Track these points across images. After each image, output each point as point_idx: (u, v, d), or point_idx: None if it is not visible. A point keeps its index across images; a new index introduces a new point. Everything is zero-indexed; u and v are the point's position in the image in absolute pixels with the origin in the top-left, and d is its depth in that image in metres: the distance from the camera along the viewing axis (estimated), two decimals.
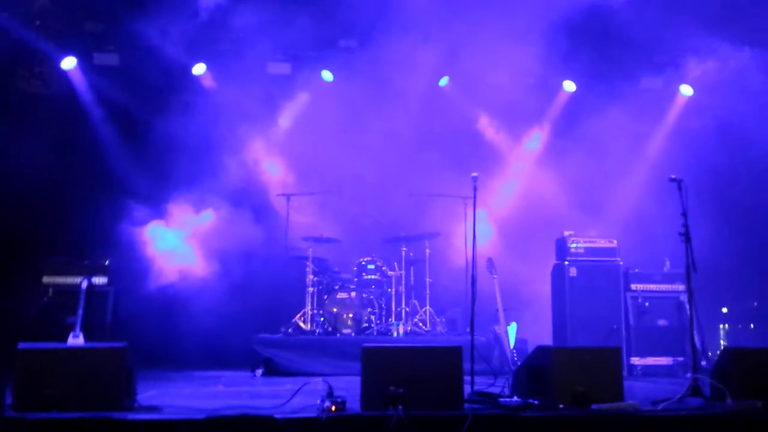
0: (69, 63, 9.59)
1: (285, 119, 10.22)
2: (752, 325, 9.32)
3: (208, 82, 9.88)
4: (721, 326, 9.28)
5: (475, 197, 6.38)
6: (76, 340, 7.23)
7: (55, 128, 9.55)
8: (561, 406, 4.94)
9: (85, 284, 7.60)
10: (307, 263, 9.14)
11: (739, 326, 9.36)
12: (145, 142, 9.38)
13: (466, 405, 4.97)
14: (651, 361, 8.21)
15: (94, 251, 8.36)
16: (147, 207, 8.97)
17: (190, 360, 8.65)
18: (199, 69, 9.81)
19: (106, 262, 8.19)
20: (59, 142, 9.49)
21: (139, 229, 8.73)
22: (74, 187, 9.28)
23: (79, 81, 9.71)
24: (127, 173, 9.54)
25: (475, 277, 6.17)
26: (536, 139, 10.38)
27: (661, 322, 8.39)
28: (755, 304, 9.53)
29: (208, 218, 9.19)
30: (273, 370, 8.07)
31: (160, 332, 8.63)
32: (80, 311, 7.35)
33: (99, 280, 7.96)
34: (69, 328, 7.32)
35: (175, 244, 8.93)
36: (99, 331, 7.57)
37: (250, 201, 9.69)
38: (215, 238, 9.13)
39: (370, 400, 4.73)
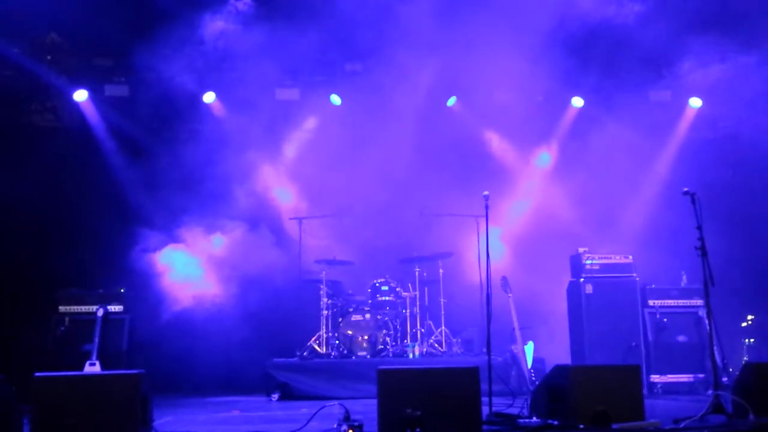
0: (81, 96, 9.73)
1: (295, 144, 10.28)
2: (750, 340, 9.13)
3: (218, 110, 9.98)
4: (745, 341, 9.10)
5: (487, 216, 6.37)
6: (93, 367, 7.27)
7: (68, 160, 9.69)
8: (581, 426, 4.87)
9: (101, 312, 7.67)
10: (321, 286, 9.13)
11: (752, 340, 9.17)
12: (157, 171, 9.44)
13: (485, 427, 4.92)
14: (671, 378, 8.10)
15: (109, 280, 8.43)
16: (160, 234, 9.03)
17: (205, 386, 8.67)
18: (209, 97, 9.92)
19: (122, 290, 8.25)
20: (72, 174, 9.62)
21: (153, 256, 8.79)
22: (88, 217, 9.35)
23: (91, 113, 9.83)
24: (140, 202, 9.59)
25: (490, 295, 6.13)
26: (546, 155, 10.35)
27: (681, 338, 8.29)
28: (752, 319, 9.35)
29: (220, 244, 9.23)
30: (289, 394, 8.05)
31: (175, 358, 8.64)
32: (96, 339, 7.41)
33: (114, 308, 8.03)
34: (86, 356, 7.38)
35: (189, 270, 8.97)
36: (115, 359, 7.61)
37: (262, 226, 9.72)
38: (229, 264, 9.16)
39: (387, 423, 4.69)
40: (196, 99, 9.83)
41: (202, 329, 8.90)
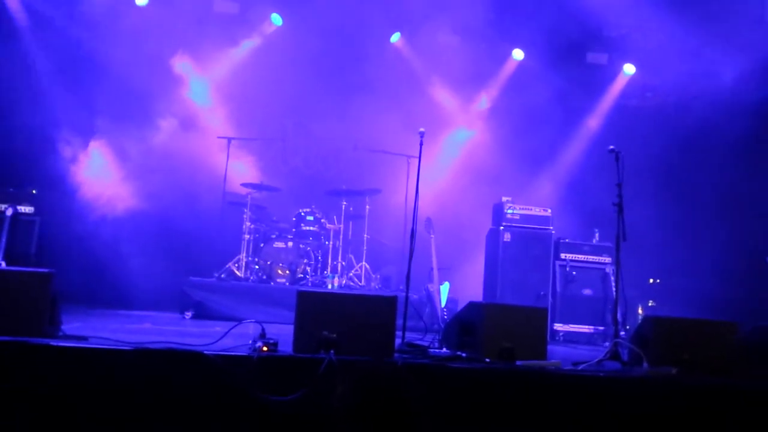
0: None
1: (230, 61, 9.93)
2: (651, 302, 9.71)
3: (151, 14, 9.45)
4: (641, 309, 9.63)
5: (420, 152, 6.38)
6: None
7: None
8: (487, 360, 5.07)
9: (10, 212, 7.28)
10: (245, 210, 9.00)
11: (651, 304, 9.73)
12: (78, 72, 8.94)
13: (397, 354, 5.04)
14: (573, 328, 8.48)
15: (22, 179, 7.99)
16: (79, 137, 8.60)
17: (116, 299, 8.40)
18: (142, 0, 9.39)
19: (33, 191, 7.85)
20: None
21: (71, 159, 8.38)
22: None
23: (12, 2, 9.14)
24: (58, 101, 9.04)
25: (414, 231, 6.20)
26: (483, 103, 10.45)
27: (586, 292, 8.66)
28: (658, 280, 9.91)
29: (144, 151, 8.90)
30: (203, 314, 7.95)
31: (87, 268, 8.36)
32: (3, 239, 7.05)
33: (25, 208, 7.64)
34: None
35: (108, 177, 8.63)
36: (23, 261, 7.22)
37: (189, 141, 9.42)
38: (150, 176, 8.86)
39: (303, 344, 4.73)
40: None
41: (117, 241, 8.62)
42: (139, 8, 9.39)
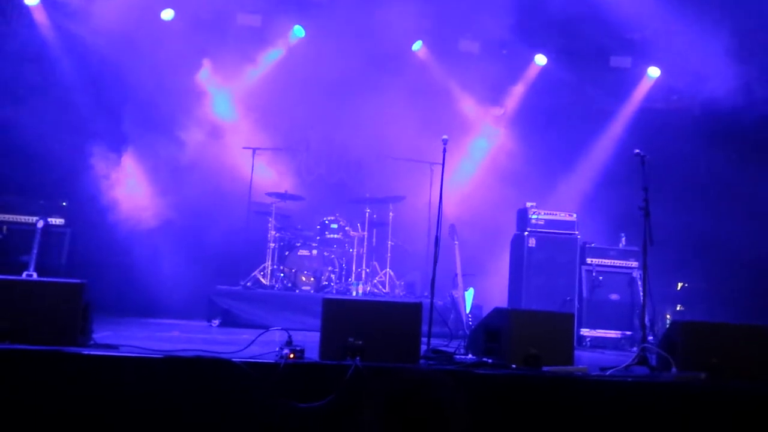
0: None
1: (254, 72, 10.06)
2: (679, 306, 9.58)
3: (176, 27, 9.60)
4: (668, 314, 9.52)
5: (444, 159, 6.40)
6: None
7: (12, 64, 9.20)
8: (513, 366, 5.05)
9: (41, 224, 7.43)
10: (270, 219, 9.09)
11: (680, 308, 9.61)
12: (110, 84, 9.11)
13: (422, 360, 5.06)
14: (600, 333, 8.40)
15: (53, 191, 8.16)
16: (109, 151, 8.76)
17: (144, 308, 8.53)
18: (167, 14, 9.54)
19: (64, 204, 8.02)
20: (16, 80, 9.14)
21: (101, 172, 8.54)
22: (32, 125, 8.98)
23: (42, 18, 9.35)
24: (87, 115, 9.22)
25: (439, 238, 6.21)
26: (506, 108, 10.43)
27: (613, 297, 8.57)
28: (686, 284, 9.77)
29: (170, 165, 9.05)
30: (230, 321, 8.05)
31: (116, 279, 8.45)
32: (35, 250, 7.19)
33: (56, 220, 7.81)
34: (23, 267, 7.18)
35: (137, 189, 8.78)
36: (53, 272, 7.38)
37: (214, 151, 9.55)
38: (177, 187, 8.99)
39: (329, 351, 4.77)
40: (154, 13, 9.44)
41: (145, 251, 8.77)
42: (165, 22, 9.53)
